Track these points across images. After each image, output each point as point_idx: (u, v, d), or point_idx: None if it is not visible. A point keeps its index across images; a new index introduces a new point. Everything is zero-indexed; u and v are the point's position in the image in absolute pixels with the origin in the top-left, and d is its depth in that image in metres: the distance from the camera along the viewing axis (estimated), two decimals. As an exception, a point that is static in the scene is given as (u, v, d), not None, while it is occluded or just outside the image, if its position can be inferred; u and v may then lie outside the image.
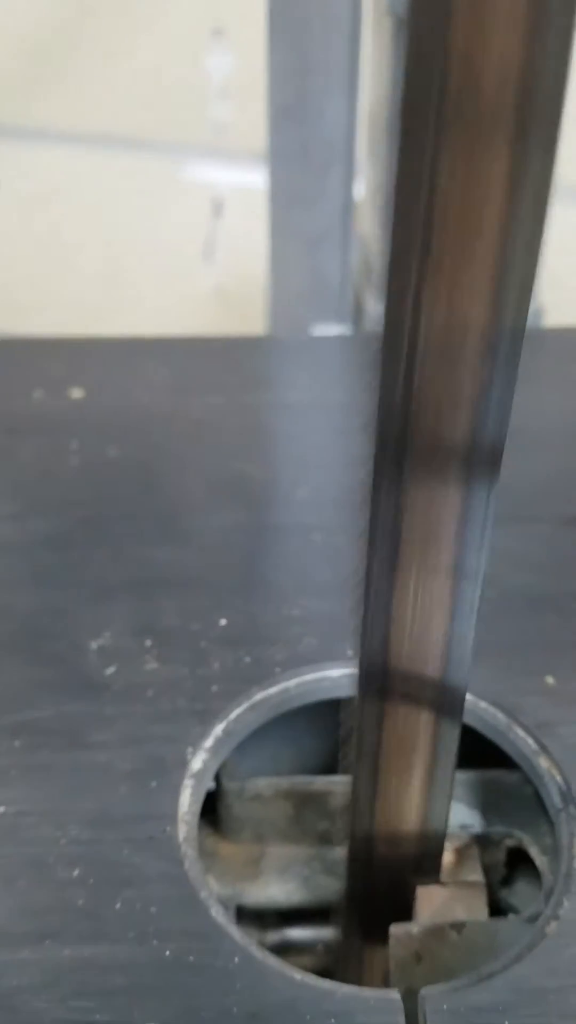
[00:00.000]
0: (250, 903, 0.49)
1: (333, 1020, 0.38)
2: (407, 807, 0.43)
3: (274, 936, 0.52)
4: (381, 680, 0.39)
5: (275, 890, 0.49)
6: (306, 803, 0.49)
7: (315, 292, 0.80)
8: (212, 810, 0.49)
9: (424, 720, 0.40)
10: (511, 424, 0.60)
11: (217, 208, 1.16)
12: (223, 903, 0.48)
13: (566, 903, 0.42)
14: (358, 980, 0.48)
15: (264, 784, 0.49)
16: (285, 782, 0.49)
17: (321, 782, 0.49)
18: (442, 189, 0.28)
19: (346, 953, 0.48)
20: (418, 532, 0.35)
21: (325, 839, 0.49)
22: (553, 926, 0.41)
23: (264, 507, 0.56)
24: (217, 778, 0.48)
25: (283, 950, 0.51)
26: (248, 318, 0.96)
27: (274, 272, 0.80)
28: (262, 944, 0.50)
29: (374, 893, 0.46)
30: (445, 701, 0.40)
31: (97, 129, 1.17)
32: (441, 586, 0.37)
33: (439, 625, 0.38)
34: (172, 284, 1.15)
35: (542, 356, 0.69)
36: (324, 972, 0.50)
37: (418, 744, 0.41)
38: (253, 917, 0.51)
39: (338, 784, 0.48)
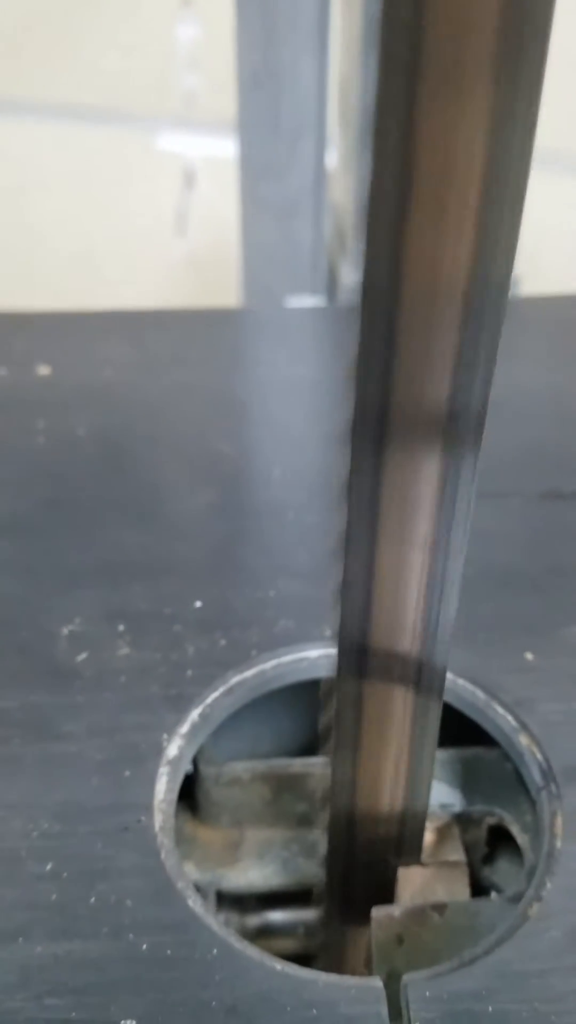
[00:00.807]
0: (230, 888, 0.49)
1: (314, 1010, 0.38)
2: (388, 787, 0.42)
3: (255, 920, 0.51)
4: (359, 657, 0.38)
5: (254, 874, 0.49)
6: (284, 786, 0.48)
7: (288, 263, 0.79)
8: (190, 795, 0.49)
9: (404, 698, 0.40)
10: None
11: (189, 179, 1.14)
12: (202, 888, 0.48)
13: (548, 884, 0.41)
14: (340, 963, 0.47)
15: (242, 768, 0.48)
16: (263, 765, 0.48)
17: (299, 764, 0.48)
18: (422, 141, 0.26)
19: (328, 936, 0.48)
20: (397, 505, 0.34)
21: (304, 822, 0.49)
22: (535, 908, 0.41)
23: (237, 487, 0.55)
24: (195, 763, 0.47)
25: (264, 934, 0.51)
26: (222, 290, 0.95)
27: (245, 243, 0.79)
28: (243, 928, 0.50)
29: (355, 875, 0.45)
30: (425, 679, 0.39)
31: (66, 101, 1.15)
32: (421, 561, 0.36)
33: (419, 601, 0.37)
34: (144, 256, 1.13)
35: (517, 326, 0.68)
36: (306, 955, 0.49)
37: (398, 723, 0.40)
38: (233, 902, 0.51)
39: (316, 766, 0.48)
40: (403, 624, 0.37)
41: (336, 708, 0.40)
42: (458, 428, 0.32)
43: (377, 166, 0.27)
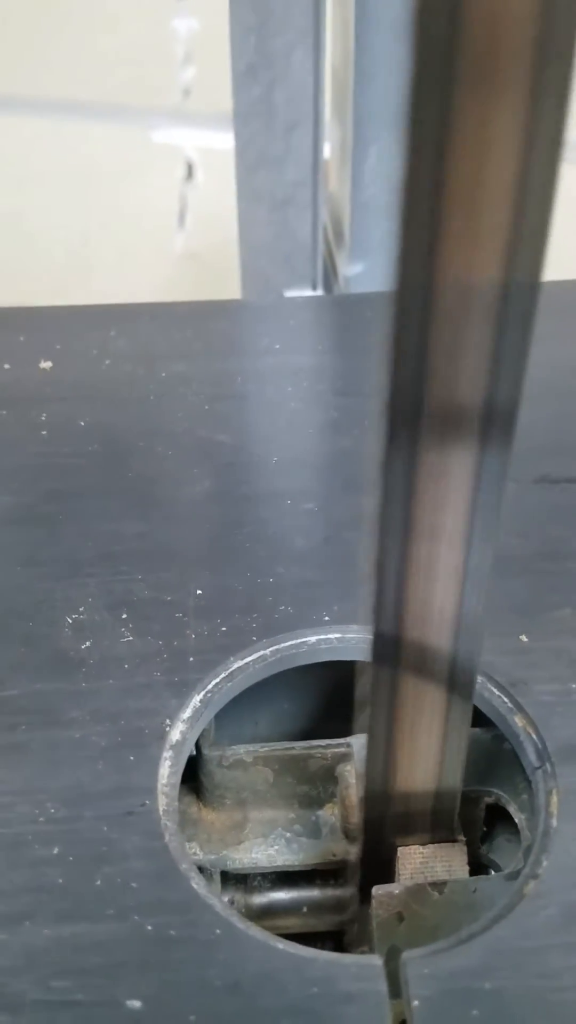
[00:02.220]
0: (234, 868, 0.50)
1: (315, 988, 0.39)
2: (421, 774, 0.43)
3: (260, 899, 0.52)
4: (393, 648, 0.39)
5: (259, 854, 0.50)
6: (287, 768, 0.49)
7: (285, 255, 0.80)
8: (195, 778, 0.49)
9: (437, 689, 0.40)
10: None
11: (189, 172, 1.15)
12: (208, 869, 0.49)
13: (544, 862, 0.42)
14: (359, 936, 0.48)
15: (244, 751, 0.49)
16: (265, 748, 0.49)
17: (301, 747, 0.49)
18: (455, 143, 0.27)
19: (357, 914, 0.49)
20: (430, 498, 0.35)
21: (306, 802, 0.50)
22: (532, 886, 0.41)
23: (236, 475, 0.56)
24: (198, 746, 0.48)
25: (269, 913, 0.52)
26: (223, 282, 0.96)
27: (243, 235, 0.80)
28: (248, 907, 0.51)
29: (389, 852, 0.46)
30: (458, 670, 0.40)
31: (64, 96, 1.16)
32: (454, 553, 0.36)
33: (452, 592, 0.38)
34: (145, 250, 1.14)
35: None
36: (310, 934, 0.50)
37: (432, 713, 0.41)
38: (239, 881, 0.52)
39: (317, 748, 0.49)
40: (435, 615, 0.38)
41: (371, 696, 0.41)
42: (491, 423, 0.33)
43: (411, 165, 0.28)
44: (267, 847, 0.50)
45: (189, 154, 1.14)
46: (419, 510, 0.35)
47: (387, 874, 0.46)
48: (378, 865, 0.46)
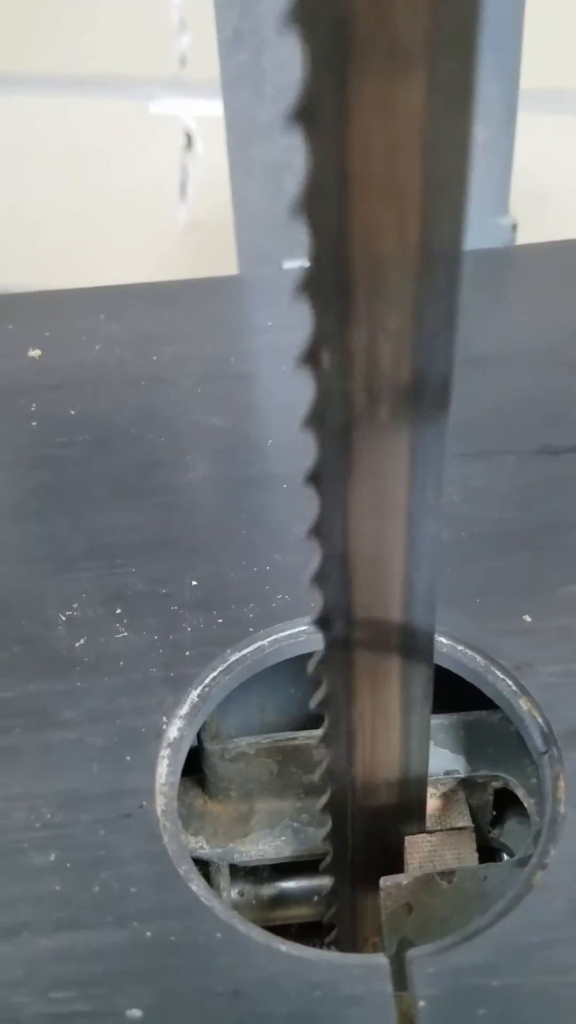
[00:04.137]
0: (242, 860, 0.49)
1: (318, 992, 0.38)
2: (385, 756, 0.42)
3: (269, 890, 0.51)
4: (344, 630, 0.38)
5: (266, 845, 0.49)
6: (290, 758, 0.48)
7: (282, 224, 0.78)
8: (199, 770, 0.49)
9: (394, 666, 0.39)
10: (478, 351, 0.59)
11: (189, 142, 1.13)
12: (215, 862, 0.48)
13: (552, 851, 0.41)
14: (354, 931, 0.47)
15: (247, 743, 0.48)
16: (267, 740, 0.48)
17: (303, 736, 0.48)
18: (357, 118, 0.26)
19: (340, 905, 0.48)
20: (368, 477, 0.34)
21: (311, 792, 0.49)
22: (539, 876, 0.40)
23: (231, 460, 0.55)
24: (200, 739, 0.47)
25: (279, 903, 0.51)
26: (229, 251, 0.94)
27: (237, 206, 0.78)
28: (258, 899, 0.50)
29: (361, 846, 0.45)
30: (413, 644, 0.39)
31: (55, 70, 1.14)
32: (398, 525, 0.35)
33: (399, 566, 0.36)
34: (148, 223, 1.13)
35: (513, 275, 0.67)
36: (321, 923, 0.49)
37: (390, 691, 0.40)
38: (248, 873, 0.51)
39: (320, 738, 0.48)
40: (385, 592, 0.37)
41: (326, 682, 0.40)
42: (423, 389, 0.32)
43: (313, 143, 0.27)
44: (274, 838, 0.49)
45: (188, 124, 1.13)
46: (358, 491, 0.34)
47: (364, 866, 0.45)
48: (353, 858, 0.45)
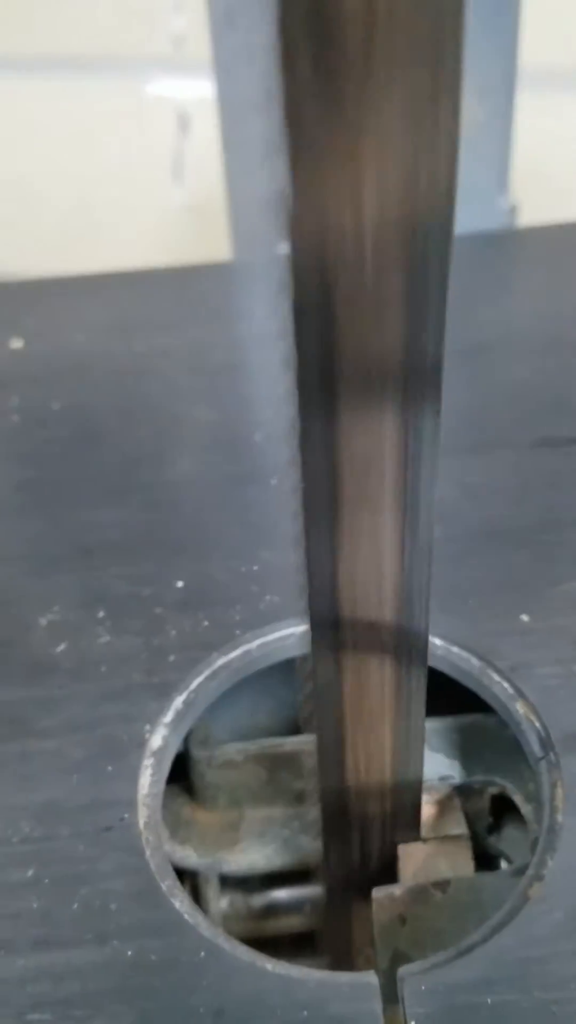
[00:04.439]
0: (232, 871, 0.47)
1: (305, 1012, 0.36)
2: (378, 762, 0.41)
3: (260, 900, 0.50)
4: (333, 631, 0.36)
5: (256, 855, 0.47)
6: (279, 765, 0.47)
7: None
8: (187, 777, 0.47)
9: (385, 669, 0.38)
10: (474, 341, 0.57)
11: (183, 123, 1.11)
12: (204, 873, 0.47)
13: (549, 862, 0.39)
14: (347, 942, 0.46)
15: (234, 750, 0.47)
16: (255, 746, 0.47)
17: (292, 743, 0.47)
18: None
19: (332, 915, 0.46)
20: (356, 468, 0.32)
21: (302, 799, 0.47)
22: (536, 888, 0.39)
23: (218, 455, 0.53)
24: (187, 745, 0.46)
25: (270, 913, 0.50)
26: (223, 235, 0.93)
27: (231, 190, 0.76)
28: (249, 909, 0.49)
29: (354, 854, 0.44)
30: (405, 646, 0.37)
31: (52, 52, 1.12)
32: (388, 524, 0.33)
33: (390, 566, 0.35)
34: (145, 206, 1.11)
35: (515, 259, 0.65)
36: (313, 933, 0.48)
37: (381, 694, 0.38)
38: (238, 882, 0.50)
39: (309, 744, 0.46)
40: (374, 592, 0.35)
41: (315, 685, 0.38)
42: (413, 381, 0.30)
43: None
44: (264, 846, 0.47)
45: (183, 105, 1.11)
46: (345, 482, 0.32)
47: (357, 875, 0.44)
48: (345, 866, 0.44)
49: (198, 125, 1.12)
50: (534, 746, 0.43)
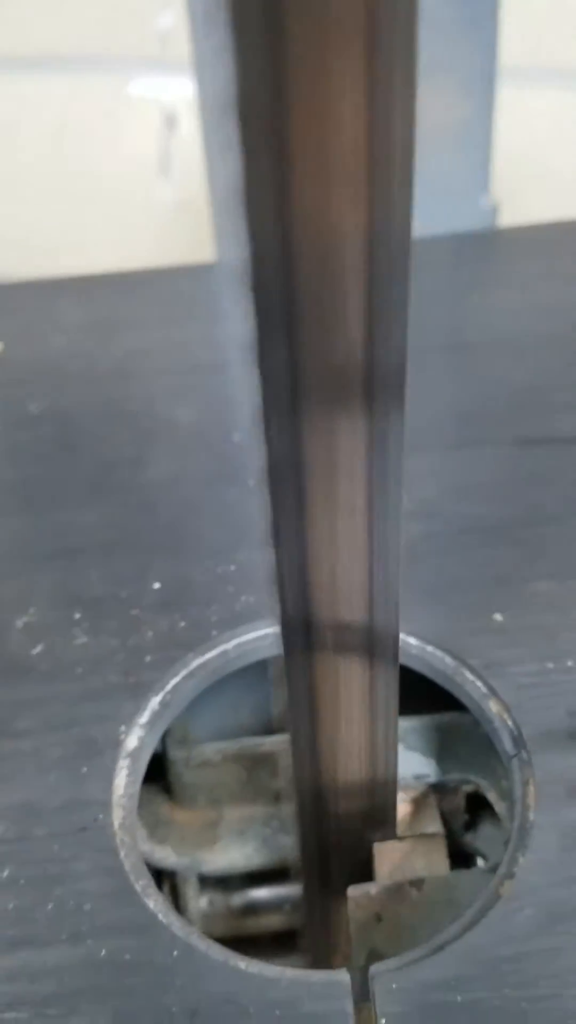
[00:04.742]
0: (211, 871, 0.48)
1: (278, 1011, 0.36)
2: (352, 761, 0.41)
3: (239, 899, 0.50)
4: (305, 633, 0.36)
5: (235, 854, 0.48)
6: (258, 764, 0.47)
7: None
8: (165, 777, 0.48)
9: (357, 669, 0.38)
10: (456, 339, 0.58)
11: (170, 122, 1.11)
12: (183, 872, 0.47)
13: (521, 859, 0.40)
14: (325, 939, 0.46)
15: (212, 750, 0.47)
16: (233, 746, 0.47)
17: (270, 742, 0.47)
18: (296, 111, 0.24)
19: (309, 914, 0.46)
20: (322, 472, 0.32)
21: (280, 798, 0.47)
22: (507, 886, 0.39)
23: (196, 455, 0.53)
24: (165, 745, 0.46)
25: (250, 912, 0.50)
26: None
27: (213, 189, 0.77)
28: (228, 908, 0.49)
29: (330, 853, 0.44)
30: (377, 647, 0.37)
31: (37, 51, 1.12)
32: (356, 525, 0.34)
33: (360, 567, 0.35)
34: (131, 205, 1.11)
35: (494, 260, 0.66)
36: (293, 931, 0.48)
37: (354, 694, 0.39)
38: (217, 881, 0.50)
39: (286, 743, 0.46)
40: (344, 593, 0.36)
41: (287, 686, 0.38)
42: (377, 380, 0.30)
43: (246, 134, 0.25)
44: (243, 846, 0.48)
45: (171, 104, 1.11)
46: (312, 487, 0.32)
47: (333, 874, 0.44)
48: (321, 865, 0.44)
49: (186, 124, 1.12)
50: (507, 744, 0.43)
